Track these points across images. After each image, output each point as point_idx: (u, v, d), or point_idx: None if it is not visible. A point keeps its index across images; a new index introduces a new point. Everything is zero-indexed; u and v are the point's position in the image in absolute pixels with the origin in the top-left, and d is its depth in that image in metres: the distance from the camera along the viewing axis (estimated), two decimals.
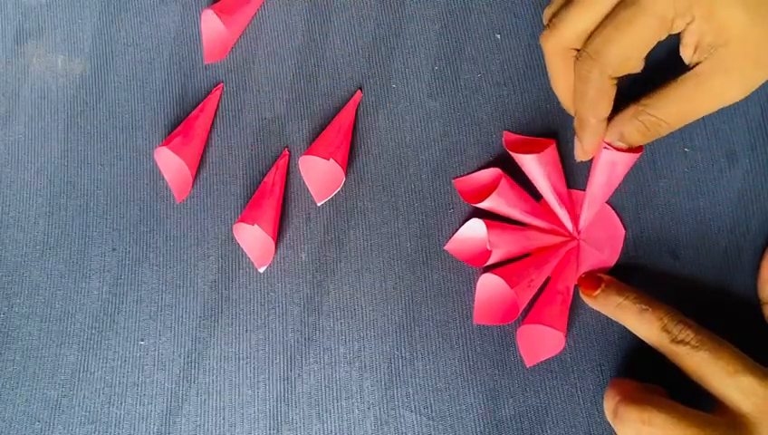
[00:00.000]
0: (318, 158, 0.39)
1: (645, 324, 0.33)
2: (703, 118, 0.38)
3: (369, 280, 0.39)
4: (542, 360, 0.37)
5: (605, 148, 0.35)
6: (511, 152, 0.38)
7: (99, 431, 0.38)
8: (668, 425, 0.29)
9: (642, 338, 0.33)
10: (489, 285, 0.37)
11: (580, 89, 0.33)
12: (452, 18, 0.40)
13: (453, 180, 0.39)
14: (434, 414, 0.37)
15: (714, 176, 0.38)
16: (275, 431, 0.38)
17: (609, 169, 0.36)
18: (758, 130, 0.38)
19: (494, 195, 0.36)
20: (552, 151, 0.37)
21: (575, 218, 0.38)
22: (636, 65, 0.31)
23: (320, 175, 0.39)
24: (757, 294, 0.36)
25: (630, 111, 0.33)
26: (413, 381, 0.37)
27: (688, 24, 0.30)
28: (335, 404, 0.38)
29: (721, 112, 0.38)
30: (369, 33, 0.41)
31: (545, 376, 0.37)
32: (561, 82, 0.35)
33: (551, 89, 0.39)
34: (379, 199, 0.39)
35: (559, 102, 0.39)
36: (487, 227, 0.37)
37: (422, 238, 0.39)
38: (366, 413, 0.37)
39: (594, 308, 0.36)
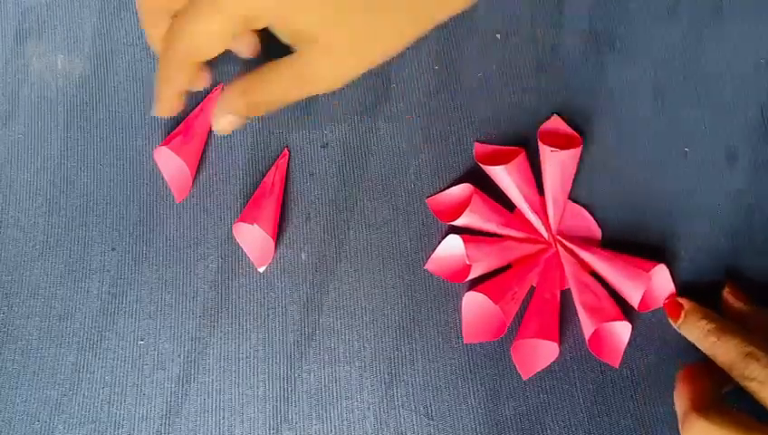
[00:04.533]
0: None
1: (717, 358, 0.32)
2: (703, 118, 0.38)
3: (369, 280, 0.39)
4: (538, 371, 0.37)
5: (552, 151, 0.36)
6: (481, 164, 0.38)
7: (99, 431, 0.38)
8: None
9: None
10: (474, 303, 0.37)
11: (162, 62, 0.33)
12: (452, 18, 0.40)
13: (426, 200, 0.39)
14: (434, 414, 0.37)
15: (714, 176, 0.38)
16: (275, 431, 0.38)
17: (558, 168, 0.36)
18: (758, 129, 0.38)
19: (467, 211, 0.37)
20: (521, 161, 0.37)
21: (549, 225, 0.38)
22: (217, 51, 0.31)
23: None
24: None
25: (238, 88, 0.32)
26: (413, 380, 0.37)
27: (271, 24, 0.30)
28: (335, 404, 0.38)
29: (721, 112, 0.38)
30: None
31: (545, 376, 0.37)
32: (156, 36, 0.34)
33: (552, 89, 0.39)
34: (379, 199, 0.39)
35: (561, 103, 0.39)
36: (465, 241, 0.37)
37: (422, 238, 0.39)
38: (366, 413, 0.37)
39: None
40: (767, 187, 0.37)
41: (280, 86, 0.32)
